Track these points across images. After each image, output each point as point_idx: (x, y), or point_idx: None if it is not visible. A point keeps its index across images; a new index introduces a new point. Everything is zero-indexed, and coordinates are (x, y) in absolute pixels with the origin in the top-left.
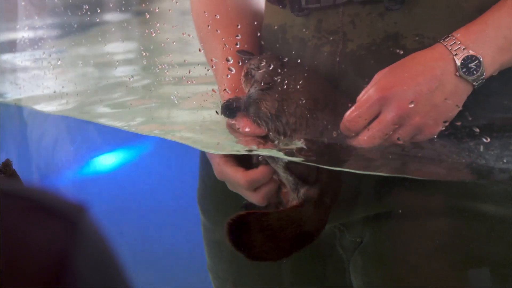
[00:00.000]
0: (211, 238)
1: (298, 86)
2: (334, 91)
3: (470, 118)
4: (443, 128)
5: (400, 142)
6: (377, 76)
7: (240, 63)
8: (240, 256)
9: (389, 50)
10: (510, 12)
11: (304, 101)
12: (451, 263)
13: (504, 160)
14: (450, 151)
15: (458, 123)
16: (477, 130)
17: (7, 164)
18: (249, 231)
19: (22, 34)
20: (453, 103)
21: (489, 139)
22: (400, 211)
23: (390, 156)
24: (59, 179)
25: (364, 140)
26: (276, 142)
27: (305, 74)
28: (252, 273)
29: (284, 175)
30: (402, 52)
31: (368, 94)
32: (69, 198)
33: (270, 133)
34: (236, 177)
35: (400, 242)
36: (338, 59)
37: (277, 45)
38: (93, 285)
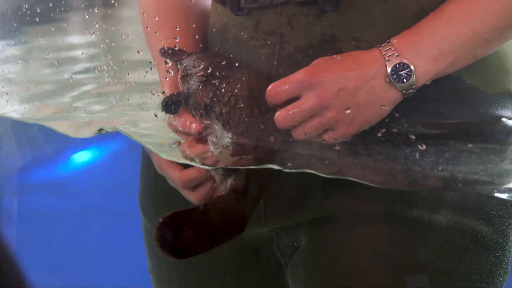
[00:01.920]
0: (150, 238)
1: (235, 78)
2: None
3: (406, 125)
4: (356, 132)
5: (305, 137)
6: (315, 62)
7: (170, 64)
8: None
9: (326, 53)
10: (446, 23)
11: (239, 92)
12: (387, 269)
13: (439, 168)
14: (386, 157)
15: (394, 130)
16: (413, 137)
17: None
18: (178, 231)
19: None
20: (377, 108)
21: (424, 146)
22: (336, 216)
23: (326, 162)
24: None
25: (277, 118)
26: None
27: (244, 67)
28: (190, 274)
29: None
30: (339, 58)
31: (296, 73)
32: None
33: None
34: (172, 176)
35: (334, 248)
36: (275, 62)
37: (218, 46)
38: None
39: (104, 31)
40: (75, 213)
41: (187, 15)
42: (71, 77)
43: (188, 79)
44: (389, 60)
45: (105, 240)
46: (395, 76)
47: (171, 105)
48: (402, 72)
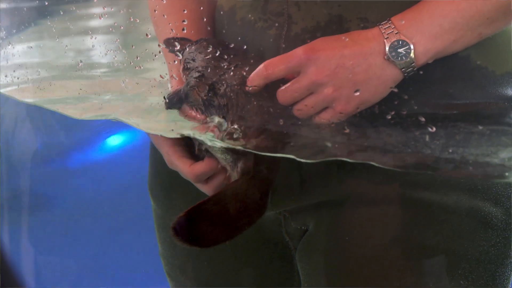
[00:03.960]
0: (161, 223)
1: (231, 68)
2: None
3: (415, 107)
4: (355, 112)
5: (304, 115)
6: (315, 40)
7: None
8: None
9: (333, 34)
10: (448, 1)
11: (235, 82)
12: (401, 253)
13: (450, 150)
14: (396, 140)
15: (404, 112)
16: (423, 119)
17: None
18: (195, 225)
19: None
20: (375, 86)
21: (434, 129)
22: (347, 200)
23: (336, 145)
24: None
25: (278, 94)
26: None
27: (242, 57)
28: (199, 258)
29: (222, 157)
30: (338, 36)
31: (294, 50)
32: None
33: (208, 119)
34: (183, 170)
35: (346, 232)
36: (283, 43)
37: (226, 28)
38: None
39: (112, 14)
40: (109, 198)
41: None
42: (81, 61)
43: (187, 73)
44: (387, 37)
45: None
46: (393, 53)
47: (173, 103)
48: (401, 50)
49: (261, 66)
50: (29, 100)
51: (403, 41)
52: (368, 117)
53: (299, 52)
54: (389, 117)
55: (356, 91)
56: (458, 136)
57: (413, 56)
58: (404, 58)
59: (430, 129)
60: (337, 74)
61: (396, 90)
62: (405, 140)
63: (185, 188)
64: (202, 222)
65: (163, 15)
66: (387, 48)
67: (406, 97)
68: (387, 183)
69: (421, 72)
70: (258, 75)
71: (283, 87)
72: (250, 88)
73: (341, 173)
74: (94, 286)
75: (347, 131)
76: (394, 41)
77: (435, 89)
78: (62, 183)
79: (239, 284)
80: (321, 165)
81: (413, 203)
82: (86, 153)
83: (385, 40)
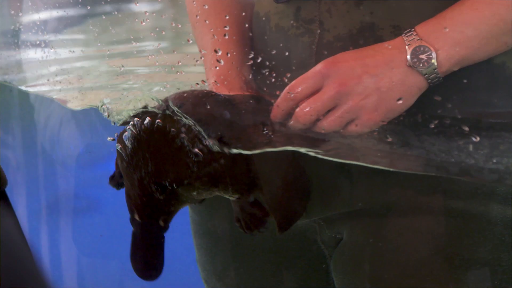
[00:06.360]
0: (198, 230)
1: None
2: None
3: (459, 116)
4: (384, 122)
5: (328, 130)
6: (336, 55)
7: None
8: (224, 248)
9: (366, 42)
10: (470, 7)
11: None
12: (445, 264)
13: (494, 161)
14: (439, 149)
15: (447, 121)
16: (466, 128)
17: None
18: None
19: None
20: (400, 94)
21: (478, 138)
22: (386, 209)
23: (378, 154)
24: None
25: (298, 112)
26: None
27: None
28: (236, 266)
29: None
30: (368, 50)
31: (315, 66)
32: None
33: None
34: None
35: (385, 241)
36: (315, 50)
37: (262, 34)
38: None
39: (154, 18)
40: None
41: (236, 3)
42: (122, 66)
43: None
44: (409, 44)
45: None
46: (415, 60)
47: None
48: (423, 56)
49: (285, 90)
50: (70, 104)
51: (424, 46)
52: (410, 126)
53: (320, 66)
54: (432, 126)
55: (383, 98)
56: (502, 146)
57: (435, 63)
58: (426, 64)
59: (474, 139)
60: (362, 81)
61: (439, 98)
62: (448, 149)
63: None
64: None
65: (205, 21)
66: (408, 55)
67: (449, 105)
68: (429, 192)
69: (465, 81)
70: (284, 99)
71: (301, 105)
72: (277, 119)
73: (380, 181)
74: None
75: (389, 139)
76: (415, 47)
77: (479, 97)
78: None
79: None
80: (359, 173)
81: (456, 214)
82: None
83: (407, 47)
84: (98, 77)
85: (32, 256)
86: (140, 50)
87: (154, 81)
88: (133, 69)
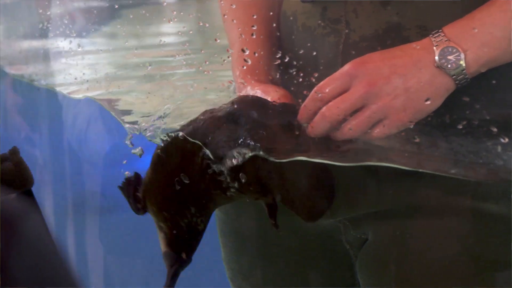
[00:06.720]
0: (223, 228)
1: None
2: None
3: (487, 117)
4: (412, 123)
5: (354, 133)
6: (363, 56)
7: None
8: (250, 248)
9: (392, 42)
10: (498, 8)
11: None
12: (473, 267)
13: None
14: (467, 150)
15: (475, 122)
16: (495, 129)
17: (14, 152)
18: None
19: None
20: (428, 95)
21: (507, 140)
22: (412, 209)
23: (406, 154)
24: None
25: (325, 112)
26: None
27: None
28: (262, 265)
29: None
30: (396, 51)
31: (343, 67)
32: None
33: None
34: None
35: (408, 243)
36: (341, 50)
37: (289, 34)
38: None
39: (181, 18)
40: None
41: (264, 2)
42: (149, 65)
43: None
44: (437, 45)
45: None
46: (443, 61)
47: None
48: (451, 57)
49: (313, 91)
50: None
51: (452, 47)
52: (438, 127)
53: (347, 67)
54: (460, 126)
55: (411, 98)
56: None
57: (463, 64)
58: (454, 65)
59: (502, 140)
60: (391, 82)
61: (467, 99)
62: (476, 150)
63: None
64: None
65: (233, 20)
66: (436, 56)
67: (477, 106)
68: (456, 193)
69: (493, 82)
70: (311, 100)
71: (328, 105)
72: (304, 120)
73: (406, 182)
74: (161, 287)
75: (417, 140)
76: (443, 48)
77: (507, 98)
78: None
79: None
80: (385, 174)
81: (483, 215)
82: None
83: (434, 47)
84: (125, 76)
85: (61, 256)
86: (167, 49)
87: (181, 80)
88: (160, 68)
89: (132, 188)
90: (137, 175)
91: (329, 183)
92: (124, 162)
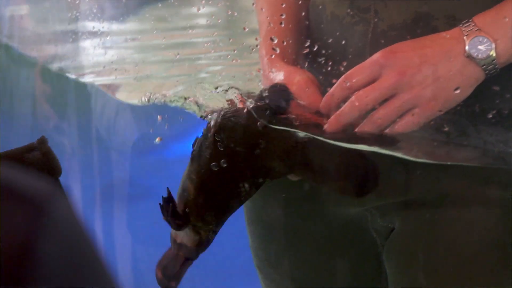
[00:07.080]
0: (251, 216)
1: None
2: None
3: None
4: (441, 112)
5: (383, 122)
6: (393, 45)
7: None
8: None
9: (421, 31)
10: None
11: None
12: (497, 257)
13: None
14: (496, 140)
15: (505, 111)
16: None
17: (43, 141)
18: None
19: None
20: (458, 84)
21: None
22: (440, 199)
23: (435, 143)
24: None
25: (355, 100)
26: None
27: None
28: (289, 253)
29: None
30: (426, 40)
31: (373, 55)
32: (39, 179)
33: None
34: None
35: (435, 233)
36: (369, 40)
37: (318, 22)
38: (61, 279)
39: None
40: None
41: None
42: (178, 54)
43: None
44: (467, 35)
45: None
46: (473, 50)
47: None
48: (481, 47)
49: (341, 79)
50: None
51: (483, 37)
52: (468, 116)
53: (377, 56)
54: (490, 116)
55: (441, 88)
56: None
57: (493, 54)
58: (484, 55)
59: None
60: (421, 71)
61: (497, 88)
62: (506, 139)
63: (274, 181)
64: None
65: (261, 9)
66: (467, 46)
67: (508, 96)
68: (484, 183)
69: None
70: (339, 88)
71: (358, 93)
72: (327, 109)
73: (435, 171)
74: (188, 275)
75: (446, 129)
76: (474, 38)
77: None
78: (160, 173)
79: (328, 281)
80: (413, 162)
81: None
82: (185, 144)
83: (465, 37)
84: (153, 63)
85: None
86: (196, 38)
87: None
88: (189, 57)
89: (171, 206)
90: (168, 192)
91: (374, 163)
92: (158, 140)
